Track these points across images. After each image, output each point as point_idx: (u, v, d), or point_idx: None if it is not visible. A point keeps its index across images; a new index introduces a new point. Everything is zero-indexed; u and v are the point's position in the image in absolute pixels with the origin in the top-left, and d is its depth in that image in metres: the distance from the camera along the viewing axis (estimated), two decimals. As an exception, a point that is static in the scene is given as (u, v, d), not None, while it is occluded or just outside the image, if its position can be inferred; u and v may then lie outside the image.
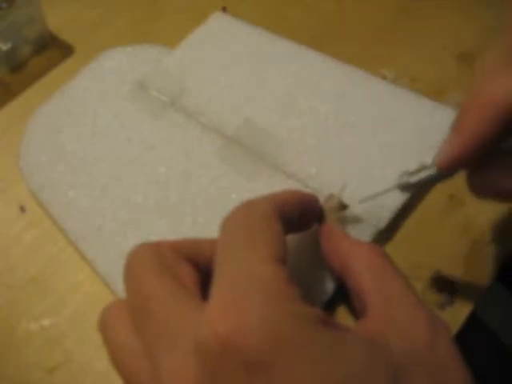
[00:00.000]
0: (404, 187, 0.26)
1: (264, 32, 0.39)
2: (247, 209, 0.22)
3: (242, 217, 0.21)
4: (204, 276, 0.21)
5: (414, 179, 0.25)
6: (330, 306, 0.27)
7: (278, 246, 0.20)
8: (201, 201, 0.31)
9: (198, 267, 0.22)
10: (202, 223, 0.30)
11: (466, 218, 0.29)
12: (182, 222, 0.30)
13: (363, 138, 0.32)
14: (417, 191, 0.30)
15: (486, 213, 0.29)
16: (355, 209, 0.29)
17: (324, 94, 0.35)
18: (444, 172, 0.24)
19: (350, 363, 0.17)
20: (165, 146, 0.34)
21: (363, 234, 0.28)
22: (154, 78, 0.37)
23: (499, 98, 0.20)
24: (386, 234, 0.29)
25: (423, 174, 0.25)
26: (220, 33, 0.39)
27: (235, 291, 0.18)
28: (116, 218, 0.31)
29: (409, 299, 0.21)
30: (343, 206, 0.28)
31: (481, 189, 0.23)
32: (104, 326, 0.21)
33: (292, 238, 0.26)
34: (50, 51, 0.42)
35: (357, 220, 0.29)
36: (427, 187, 0.27)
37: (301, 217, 0.24)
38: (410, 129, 0.32)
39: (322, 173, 0.31)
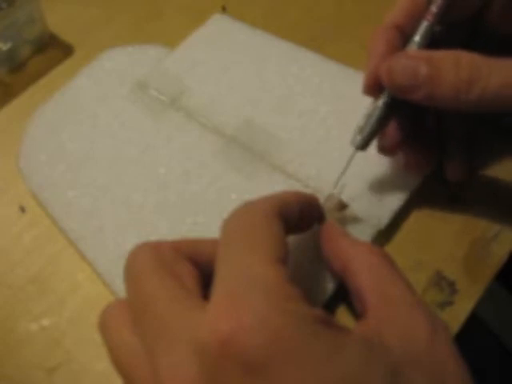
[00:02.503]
0: (359, 145, 0.27)
1: (264, 33, 0.39)
2: (247, 210, 0.22)
3: (242, 218, 0.21)
4: (204, 276, 0.21)
5: (364, 131, 0.26)
6: (330, 306, 0.27)
7: (278, 246, 0.20)
8: (201, 201, 0.31)
9: (198, 267, 0.22)
10: (202, 223, 0.30)
11: (465, 218, 0.29)
12: (182, 221, 0.30)
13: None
14: (413, 193, 0.30)
15: (486, 213, 0.29)
16: (355, 209, 0.29)
17: (324, 94, 0.35)
18: (378, 99, 0.26)
19: (348, 364, 0.17)
20: (165, 145, 0.34)
21: (363, 233, 0.28)
22: (154, 78, 0.37)
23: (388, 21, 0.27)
24: (386, 234, 0.29)
25: (368, 119, 0.26)
26: (220, 34, 0.39)
27: (235, 292, 0.18)
28: (116, 217, 0.31)
29: (409, 299, 0.21)
30: (343, 206, 0.28)
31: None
32: (104, 326, 0.21)
33: (292, 239, 0.26)
34: (50, 51, 0.42)
35: (357, 220, 0.29)
36: (381, 129, 0.27)
37: (301, 217, 0.24)
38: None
39: (321, 173, 0.31)
